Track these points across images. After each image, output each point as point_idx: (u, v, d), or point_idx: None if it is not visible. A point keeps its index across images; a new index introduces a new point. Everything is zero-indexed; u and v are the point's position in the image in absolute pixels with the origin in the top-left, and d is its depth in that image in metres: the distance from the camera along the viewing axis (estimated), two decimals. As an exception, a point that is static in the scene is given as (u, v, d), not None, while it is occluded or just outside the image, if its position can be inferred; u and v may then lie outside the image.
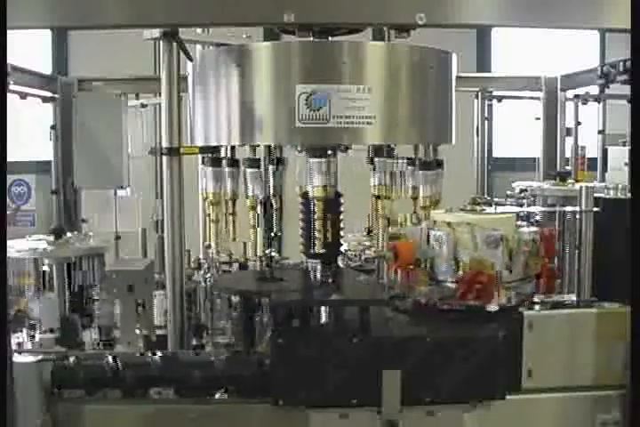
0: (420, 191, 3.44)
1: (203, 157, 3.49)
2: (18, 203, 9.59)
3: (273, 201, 3.66)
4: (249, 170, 3.42)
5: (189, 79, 3.37)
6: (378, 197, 3.48)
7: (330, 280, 3.20)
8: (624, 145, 6.98)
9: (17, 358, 2.80)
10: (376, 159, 3.51)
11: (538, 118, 5.64)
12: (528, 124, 5.91)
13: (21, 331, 3.30)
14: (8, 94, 2.71)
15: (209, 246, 3.66)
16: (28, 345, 3.12)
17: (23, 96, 4.80)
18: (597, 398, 3.13)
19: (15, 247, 3.46)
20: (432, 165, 3.42)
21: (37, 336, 3.20)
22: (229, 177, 3.47)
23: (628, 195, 3.19)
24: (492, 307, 2.90)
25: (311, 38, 3.09)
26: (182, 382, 2.93)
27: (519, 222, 3.33)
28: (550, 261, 3.27)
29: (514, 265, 2.99)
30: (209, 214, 3.55)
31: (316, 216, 3.18)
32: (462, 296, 2.90)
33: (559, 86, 5.55)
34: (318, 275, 3.21)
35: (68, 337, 3.37)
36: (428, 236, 3.04)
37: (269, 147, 3.60)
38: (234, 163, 3.48)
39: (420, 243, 3.04)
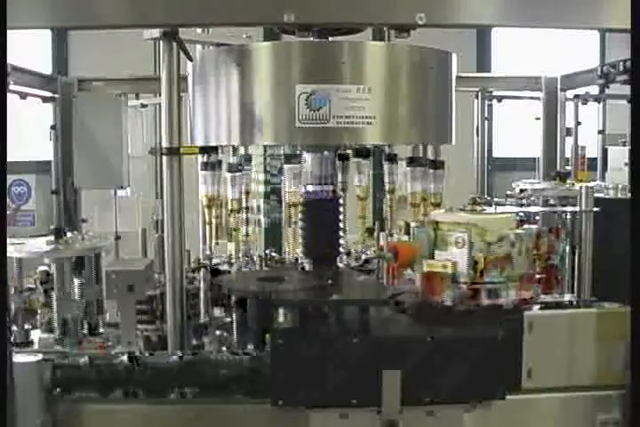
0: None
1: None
2: (18, 203, 9.59)
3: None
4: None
5: (189, 79, 3.37)
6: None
7: (330, 280, 3.19)
8: (624, 145, 6.98)
9: (17, 358, 2.80)
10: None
11: (538, 118, 5.62)
12: (528, 124, 5.89)
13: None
14: (8, 94, 2.70)
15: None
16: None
17: (23, 96, 4.78)
18: (597, 398, 3.13)
19: (16, 247, 3.46)
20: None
21: (37, 336, 3.20)
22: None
23: (628, 195, 3.19)
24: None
25: (311, 38, 3.09)
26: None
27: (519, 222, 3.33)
28: (550, 260, 3.27)
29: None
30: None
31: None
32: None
33: (559, 86, 5.54)
34: (318, 275, 3.21)
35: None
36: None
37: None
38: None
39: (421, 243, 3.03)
